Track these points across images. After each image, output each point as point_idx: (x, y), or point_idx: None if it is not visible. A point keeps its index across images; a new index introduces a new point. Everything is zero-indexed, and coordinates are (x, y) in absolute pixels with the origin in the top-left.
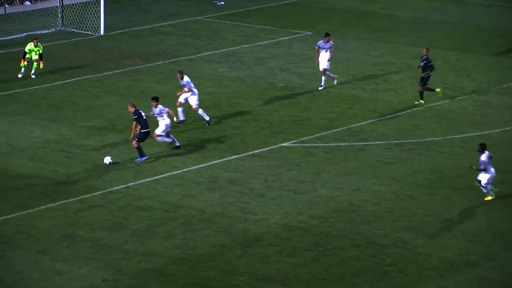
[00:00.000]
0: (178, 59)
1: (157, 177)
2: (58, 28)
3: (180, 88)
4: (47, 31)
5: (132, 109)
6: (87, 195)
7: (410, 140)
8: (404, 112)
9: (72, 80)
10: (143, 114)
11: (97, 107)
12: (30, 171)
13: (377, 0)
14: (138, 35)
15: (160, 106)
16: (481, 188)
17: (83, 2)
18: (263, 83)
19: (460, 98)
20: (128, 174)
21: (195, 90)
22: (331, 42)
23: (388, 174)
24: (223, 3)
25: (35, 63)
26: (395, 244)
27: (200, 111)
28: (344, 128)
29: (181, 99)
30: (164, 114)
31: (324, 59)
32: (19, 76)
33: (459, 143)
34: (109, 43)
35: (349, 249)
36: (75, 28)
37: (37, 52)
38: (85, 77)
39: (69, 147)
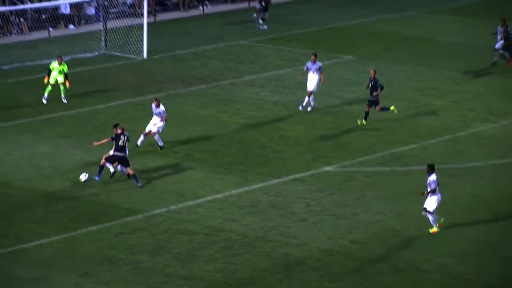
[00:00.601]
0: (220, 83)
1: (199, 200)
2: (101, 52)
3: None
4: (90, 55)
5: (119, 131)
6: (129, 218)
7: (452, 165)
8: (446, 137)
9: (115, 103)
10: (122, 139)
11: (140, 131)
12: (72, 193)
13: (421, 25)
14: (181, 58)
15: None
16: (428, 216)
17: (126, 26)
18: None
19: (504, 123)
20: (170, 197)
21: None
22: (319, 63)
23: None
24: (266, 27)
25: (61, 86)
26: (437, 270)
27: (156, 136)
28: (386, 152)
29: (153, 128)
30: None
31: (312, 81)
32: (44, 102)
33: (501, 168)
34: (152, 66)
35: (390, 275)
36: (119, 52)
37: (62, 72)
38: (128, 100)
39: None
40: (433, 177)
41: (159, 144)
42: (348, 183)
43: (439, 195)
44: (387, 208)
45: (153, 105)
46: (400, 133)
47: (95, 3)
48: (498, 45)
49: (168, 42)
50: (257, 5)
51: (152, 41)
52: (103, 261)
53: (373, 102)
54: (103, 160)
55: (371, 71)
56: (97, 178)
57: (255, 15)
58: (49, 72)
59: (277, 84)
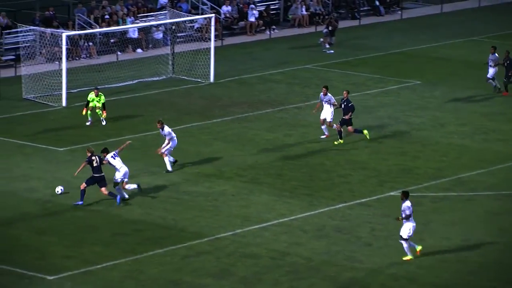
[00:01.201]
0: (286, 107)
1: (264, 224)
2: (168, 75)
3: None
4: (158, 78)
5: (88, 154)
6: (195, 242)
7: None
8: None
9: (181, 127)
10: (95, 159)
11: (206, 154)
12: (139, 217)
13: (487, 50)
14: (248, 82)
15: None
16: (402, 244)
17: (193, 50)
18: (372, 131)
19: None
20: (236, 221)
21: (175, 139)
22: (330, 95)
23: (497, 225)
24: (332, 51)
25: (98, 110)
26: None
27: (166, 158)
28: (453, 178)
29: (164, 150)
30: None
31: (326, 111)
32: (87, 123)
33: None
34: (219, 90)
35: None
36: (186, 75)
37: (99, 102)
38: (195, 124)
39: (178, 193)
40: (407, 203)
41: (168, 168)
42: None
43: (414, 223)
44: (453, 234)
45: (159, 127)
46: (467, 158)
47: (163, 27)
48: (490, 74)
49: (235, 66)
50: (324, 30)
51: (219, 65)
52: (168, 284)
53: (346, 122)
54: (83, 184)
55: (344, 92)
56: (80, 203)
57: (321, 39)
58: (87, 103)
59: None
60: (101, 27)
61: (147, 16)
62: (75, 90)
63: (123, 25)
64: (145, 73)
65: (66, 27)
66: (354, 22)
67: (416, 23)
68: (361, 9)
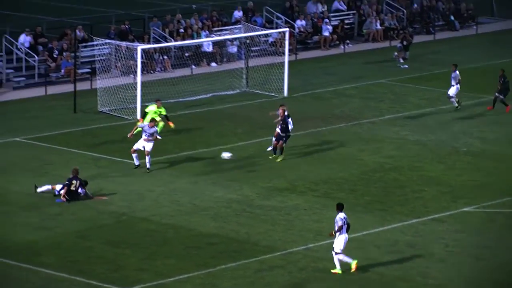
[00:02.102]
0: (360, 121)
1: None
2: (242, 89)
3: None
4: (231, 92)
5: (71, 175)
6: (267, 256)
7: None
8: None
9: (255, 141)
10: (74, 183)
11: (279, 168)
12: (212, 230)
13: None
14: (321, 97)
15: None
16: (333, 257)
17: (267, 64)
18: (446, 147)
19: None
20: (308, 235)
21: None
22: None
23: None
24: (407, 66)
25: (161, 123)
26: None
27: (149, 157)
28: None
29: (146, 146)
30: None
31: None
32: (128, 135)
33: None
34: (293, 104)
35: None
36: (259, 90)
37: (159, 113)
38: (268, 138)
39: (251, 207)
40: (340, 215)
41: (148, 166)
42: (488, 224)
43: (347, 235)
44: None
45: (148, 125)
46: None
47: (237, 41)
48: (452, 93)
49: (309, 80)
50: (398, 44)
51: (292, 79)
52: None
53: (282, 137)
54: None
55: (280, 109)
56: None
57: (396, 54)
58: (144, 114)
59: (418, 124)
60: (175, 40)
61: (221, 30)
62: (149, 103)
63: (197, 39)
64: (219, 86)
65: (141, 41)
66: (429, 37)
67: (492, 38)
68: (436, 23)
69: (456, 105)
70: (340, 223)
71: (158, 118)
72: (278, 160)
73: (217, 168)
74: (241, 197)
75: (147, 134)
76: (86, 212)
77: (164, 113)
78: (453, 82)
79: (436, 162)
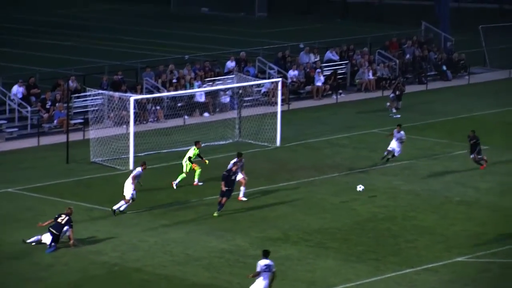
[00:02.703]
0: (352, 171)
1: None
2: (235, 139)
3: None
4: (224, 142)
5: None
6: None
7: None
8: None
9: (248, 190)
10: (63, 219)
11: (272, 218)
12: (205, 280)
13: None
14: (314, 146)
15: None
16: None
17: (260, 114)
18: (439, 196)
19: None
20: (301, 285)
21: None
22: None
23: None
24: (399, 116)
25: (198, 171)
26: None
27: (126, 205)
28: None
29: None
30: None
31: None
32: (200, 184)
33: None
34: (285, 154)
35: None
36: (252, 139)
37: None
38: (261, 188)
39: (244, 258)
40: (261, 262)
41: (123, 209)
42: (482, 275)
43: (267, 282)
44: None
45: (141, 168)
46: None
47: (230, 91)
48: (391, 147)
49: (302, 130)
50: (391, 94)
51: (285, 129)
52: None
53: (227, 193)
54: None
55: (233, 165)
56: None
57: (388, 103)
58: (189, 159)
59: (410, 173)
60: (168, 91)
61: (214, 80)
62: (142, 154)
63: (190, 89)
64: (212, 137)
65: (134, 91)
66: (421, 86)
67: (484, 88)
68: (428, 73)
69: (384, 155)
70: (258, 268)
71: (188, 168)
72: (215, 215)
73: (210, 218)
74: (234, 247)
75: (137, 177)
76: (79, 262)
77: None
78: (397, 140)
79: (429, 212)
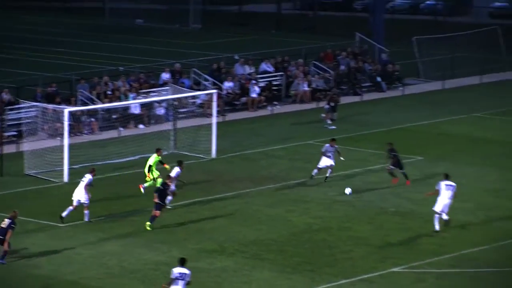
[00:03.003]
0: (288, 182)
1: None
2: (170, 151)
3: None
4: None
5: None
6: None
7: None
8: None
9: (183, 202)
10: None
11: (208, 230)
12: None
13: (490, 126)
14: (250, 158)
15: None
16: None
17: (195, 126)
18: (374, 207)
19: None
20: None
21: None
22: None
23: None
24: (334, 127)
25: (159, 180)
26: None
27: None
28: (456, 254)
29: (82, 198)
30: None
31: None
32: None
33: None
34: (221, 166)
35: None
36: (188, 151)
37: (159, 161)
38: (196, 199)
39: None
40: (177, 269)
41: (86, 219)
42: (416, 285)
43: None
44: None
45: (91, 175)
46: (470, 234)
47: (165, 103)
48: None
49: (237, 141)
50: (326, 106)
51: (221, 140)
52: None
53: (158, 206)
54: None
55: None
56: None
57: (323, 115)
58: (149, 168)
59: (346, 184)
60: (103, 103)
61: (149, 92)
62: (77, 166)
63: (125, 101)
64: (147, 148)
65: (69, 103)
66: (356, 98)
67: (418, 99)
68: (363, 85)
69: (315, 173)
70: (171, 276)
71: (156, 174)
72: (148, 228)
73: (146, 230)
74: (170, 259)
75: (88, 184)
76: (14, 275)
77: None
78: (329, 155)
79: (364, 223)
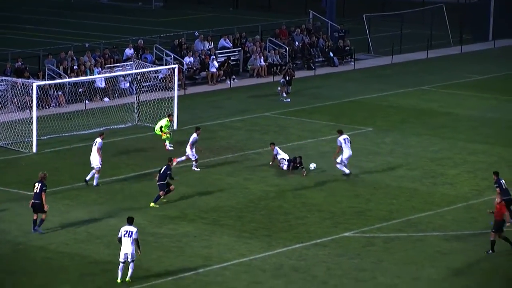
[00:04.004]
0: (246, 152)
1: (225, 264)
2: (134, 123)
3: None
4: (123, 126)
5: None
6: (159, 281)
7: (467, 232)
8: (460, 205)
9: (147, 171)
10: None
11: (171, 197)
12: (106, 257)
13: (436, 99)
14: (209, 129)
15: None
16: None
17: (158, 99)
18: (327, 175)
19: None
20: (198, 261)
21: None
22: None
23: (446, 264)
24: (289, 100)
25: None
26: None
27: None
28: (403, 219)
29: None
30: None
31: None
32: (171, 148)
33: None
34: (182, 137)
35: None
36: (151, 123)
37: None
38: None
39: (143, 235)
40: (124, 228)
41: (95, 183)
42: (367, 248)
43: (133, 248)
44: (404, 272)
45: (100, 139)
46: (417, 201)
47: (129, 77)
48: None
49: (197, 114)
50: (281, 79)
51: (182, 113)
52: None
53: (161, 186)
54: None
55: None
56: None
57: (279, 88)
58: (160, 128)
59: (300, 154)
60: (70, 77)
61: (113, 67)
62: (45, 137)
63: (90, 75)
64: (112, 120)
65: (37, 77)
66: (310, 72)
67: (368, 74)
68: (316, 60)
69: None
70: (118, 235)
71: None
72: (152, 205)
73: (111, 198)
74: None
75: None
76: None
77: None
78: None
79: (318, 190)
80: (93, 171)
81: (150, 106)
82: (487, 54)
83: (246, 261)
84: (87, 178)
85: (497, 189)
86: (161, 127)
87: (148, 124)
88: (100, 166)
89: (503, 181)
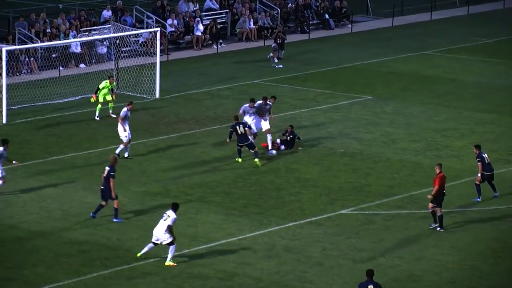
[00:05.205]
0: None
1: (212, 244)
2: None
3: None
4: None
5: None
6: (141, 262)
7: (473, 208)
8: (467, 179)
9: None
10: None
11: (152, 172)
12: (82, 237)
13: (439, 64)
14: (195, 98)
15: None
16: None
17: (138, 65)
18: (322, 148)
19: None
20: (183, 240)
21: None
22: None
23: (450, 243)
24: (281, 66)
25: (111, 104)
26: None
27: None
28: (405, 195)
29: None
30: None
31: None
32: (97, 119)
33: None
34: (165, 106)
35: None
36: (130, 91)
37: (110, 88)
38: (140, 141)
39: (123, 213)
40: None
41: (126, 154)
42: (366, 226)
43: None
44: (406, 252)
45: (127, 108)
46: (419, 175)
47: (107, 42)
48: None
49: (181, 81)
50: (272, 44)
51: (164, 80)
52: None
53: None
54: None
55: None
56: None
57: (270, 53)
58: (97, 90)
59: (293, 125)
60: (42, 41)
61: (90, 30)
62: (15, 107)
63: (65, 39)
64: (89, 88)
65: (6, 42)
66: (304, 36)
67: (367, 37)
68: (311, 22)
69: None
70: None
71: (109, 98)
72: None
73: (88, 173)
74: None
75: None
76: None
77: (113, 87)
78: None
79: (312, 164)
80: (121, 145)
81: (131, 73)
82: (495, 15)
83: (235, 241)
84: (117, 151)
85: (479, 163)
86: (97, 89)
87: (128, 93)
88: (127, 136)
89: (486, 155)
